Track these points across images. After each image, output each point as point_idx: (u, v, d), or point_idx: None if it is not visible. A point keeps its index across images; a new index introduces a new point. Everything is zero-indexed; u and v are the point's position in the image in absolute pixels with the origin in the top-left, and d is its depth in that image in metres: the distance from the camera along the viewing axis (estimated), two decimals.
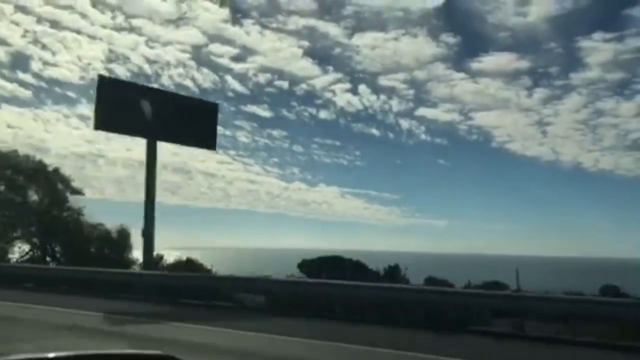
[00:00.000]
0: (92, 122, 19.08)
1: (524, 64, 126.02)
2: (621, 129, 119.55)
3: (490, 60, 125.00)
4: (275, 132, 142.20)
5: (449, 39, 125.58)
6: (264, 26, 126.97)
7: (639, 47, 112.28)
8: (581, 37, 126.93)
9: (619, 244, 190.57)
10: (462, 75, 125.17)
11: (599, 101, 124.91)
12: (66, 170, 28.18)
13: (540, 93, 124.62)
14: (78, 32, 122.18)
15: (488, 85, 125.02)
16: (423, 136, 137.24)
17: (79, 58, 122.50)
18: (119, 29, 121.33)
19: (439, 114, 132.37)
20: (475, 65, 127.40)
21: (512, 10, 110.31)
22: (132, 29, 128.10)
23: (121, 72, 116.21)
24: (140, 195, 19.33)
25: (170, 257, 22.93)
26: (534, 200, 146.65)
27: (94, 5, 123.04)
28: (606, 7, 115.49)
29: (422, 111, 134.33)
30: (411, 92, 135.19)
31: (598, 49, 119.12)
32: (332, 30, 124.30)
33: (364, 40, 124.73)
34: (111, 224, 25.25)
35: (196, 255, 23.27)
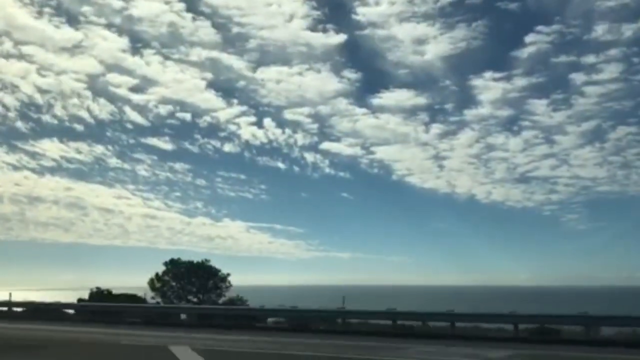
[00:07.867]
0: None
1: (422, 100, 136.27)
2: (510, 163, 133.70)
3: (390, 96, 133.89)
4: (177, 166, 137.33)
5: (351, 75, 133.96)
6: (166, 57, 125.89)
7: (524, 86, 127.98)
8: (473, 75, 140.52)
9: (510, 272, 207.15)
10: (363, 110, 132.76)
11: (489, 136, 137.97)
12: None
13: (436, 128, 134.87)
14: None
15: (388, 120, 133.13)
16: (327, 170, 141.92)
17: None
18: (6, 56, 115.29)
19: (342, 148, 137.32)
20: (376, 101, 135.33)
21: (410, 49, 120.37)
22: (21, 57, 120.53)
23: (9, 101, 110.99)
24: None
25: None
26: (432, 231, 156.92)
27: None
28: (495, 48, 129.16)
29: (326, 145, 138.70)
30: (315, 126, 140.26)
31: (488, 87, 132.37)
32: (236, 63, 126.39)
33: (269, 74, 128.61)
34: None
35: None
